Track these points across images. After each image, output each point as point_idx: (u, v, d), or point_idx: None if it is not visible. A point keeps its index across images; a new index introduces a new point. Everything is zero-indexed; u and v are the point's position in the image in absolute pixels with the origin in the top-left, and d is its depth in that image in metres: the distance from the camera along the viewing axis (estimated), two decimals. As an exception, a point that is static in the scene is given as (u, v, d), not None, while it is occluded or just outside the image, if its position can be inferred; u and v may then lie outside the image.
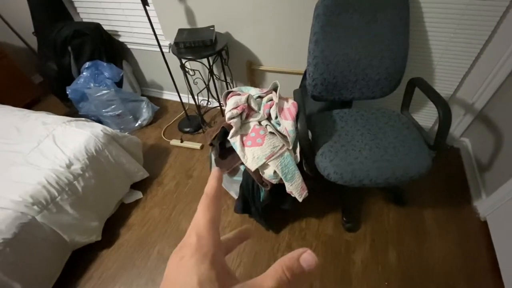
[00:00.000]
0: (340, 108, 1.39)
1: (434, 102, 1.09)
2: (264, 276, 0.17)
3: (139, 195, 1.61)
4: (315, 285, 1.19)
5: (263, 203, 1.17)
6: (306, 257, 0.18)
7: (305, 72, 1.48)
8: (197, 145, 1.86)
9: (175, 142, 1.90)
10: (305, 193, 1.07)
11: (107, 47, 1.88)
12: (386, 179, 1.05)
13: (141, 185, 1.64)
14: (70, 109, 2.10)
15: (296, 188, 1.05)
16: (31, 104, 2.33)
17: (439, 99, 1.07)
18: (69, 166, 1.23)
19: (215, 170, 0.23)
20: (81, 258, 1.34)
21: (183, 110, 2.02)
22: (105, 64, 1.77)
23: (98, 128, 1.39)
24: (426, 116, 1.57)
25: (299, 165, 1.10)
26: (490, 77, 1.32)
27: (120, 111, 1.87)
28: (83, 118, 1.51)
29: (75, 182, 1.24)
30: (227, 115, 1.08)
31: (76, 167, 1.25)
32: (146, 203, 1.58)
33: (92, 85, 1.73)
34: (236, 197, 1.41)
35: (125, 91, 1.91)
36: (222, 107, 1.97)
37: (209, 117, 2.07)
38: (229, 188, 1.40)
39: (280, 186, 1.12)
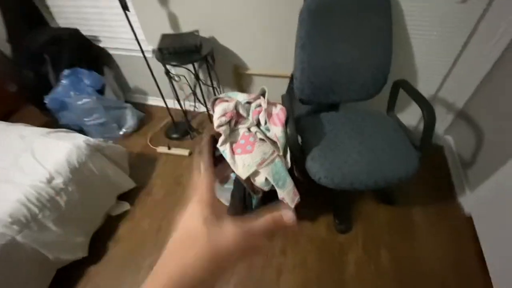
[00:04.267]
0: (327, 110, 1.40)
1: (419, 104, 1.11)
2: (256, 220, 0.23)
3: (126, 206, 1.56)
4: (311, 287, 1.20)
5: (255, 210, 1.16)
6: (287, 213, 0.24)
7: (292, 75, 1.49)
8: (185, 152, 1.82)
9: (162, 149, 1.86)
10: (297, 198, 1.06)
11: (87, 53, 1.81)
12: (375, 181, 1.06)
13: (128, 196, 1.59)
14: (50, 119, 2.01)
15: (288, 194, 1.04)
16: (7, 115, 2.20)
17: (423, 100, 1.09)
18: (50, 181, 1.17)
19: (205, 135, 0.34)
20: (68, 276, 1.28)
21: (169, 116, 1.97)
22: (85, 71, 1.70)
23: (80, 139, 1.33)
24: (410, 115, 1.61)
25: (290, 170, 1.10)
26: (470, 77, 1.37)
27: (103, 119, 1.80)
28: (64, 129, 1.45)
29: (58, 198, 1.18)
30: (216, 122, 1.06)
31: (58, 181, 1.19)
32: (135, 215, 1.54)
33: (72, 93, 1.66)
34: (227, 204, 1.39)
35: (107, 98, 1.85)
36: (210, 112, 1.94)
37: (197, 123, 2.04)
38: (220, 196, 1.37)
39: (272, 192, 1.11)
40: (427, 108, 1.06)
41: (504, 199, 1.14)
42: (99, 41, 1.91)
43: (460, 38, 1.25)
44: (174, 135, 1.94)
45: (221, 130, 1.05)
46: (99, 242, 1.41)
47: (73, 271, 1.29)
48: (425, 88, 1.47)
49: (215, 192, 0.26)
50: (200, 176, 0.27)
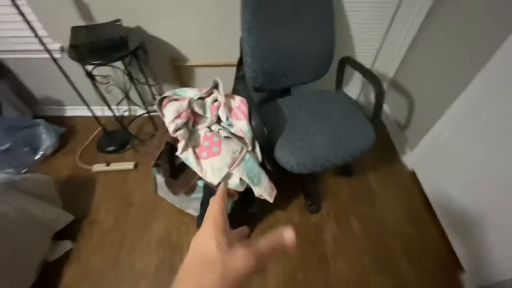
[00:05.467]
0: (280, 95, 1.36)
1: (367, 78, 1.17)
2: (260, 241, 0.25)
3: (67, 245, 1.26)
4: (298, 276, 1.19)
5: (231, 215, 1.07)
6: (287, 231, 0.26)
7: (239, 62, 1.39)
8: (129, 165, 1.57)
9: (99, 167, 1.56)
10: (274, 192, 1.02)
11: (-40, 61, 1.34)
12: (343, 158, 1.09)
13: (68, 232, 1.29)
14: None
15: (265, 190, 0.98)
16: None
17: (371, 74, 1.15)
18: None
19: (221, 185, 0.31)
20: None
21: (99, 127, 1.66)
22: (-36, 85, 1.26)
23: (-21, 177, 0.99)
24: (350, 90, 1.72)
25: (261, 164, 1.03)
26: (397, 48, 1.51)
27: (7, 145, 1.39)
28: None
29: (-38, 263, 0.86)
30: (171, 127, 0.91)
31: (-43, 242, 0.86)
32: (81, 253, 1.26)
33: (-51, 118, 1.21)
34: (196, 214, 1.26)
35: (8, 118, 1.43)
36: (150, 114, 1.71)
37: (136, 128, 1.77)
38: (186, 207, 1.23)
39: (245, 191, 1.03)
40: (375, 81, 1.12)
41: (439, 151, 1.32)
42: (-24, 43, 1.44)
43: (389, 10, 1.35)
44: (110, 148, 1.65)
45: (178, 134, 0.91)
46: (40, 300, 1.11)
47: None
48: (363, 63, 1.57)
49: (227, 216, 0.27)
50: (214, 200, 0.28)
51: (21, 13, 1.03)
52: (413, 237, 1.30)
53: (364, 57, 1.55)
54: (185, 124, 0.93)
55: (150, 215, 1.39)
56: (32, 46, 1.33)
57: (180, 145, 0.91)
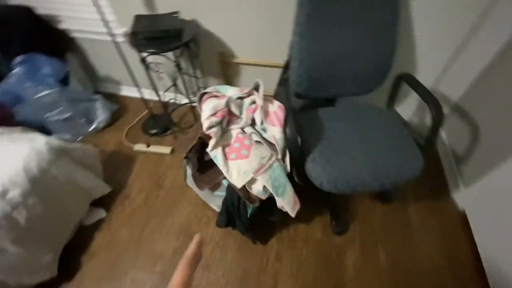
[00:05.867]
0: (323, 104, 1.29)
1: (425, 100, 1.04)
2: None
3: (101, 213, 1.38)
4: (309, 297, 1.13)
5: (250, 219, 1.05)
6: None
7: (286, 65, 1.35)
8: (166, 149, 1.65)
9: (140, 147, 1.67)
10: (297, 206, 0.97)
11: (44, 36, 1.54)
12: (381, 184, 0.99)
13: (103, 202, 1.41)
14: (6, 113, 1.72)
15: (288, 203, 0.94)
16: None
17: (431, 97, 1.02)
18: (3, 194, 0.97)
19: (197, 236, 0.31)
20: (34, 300, 1.11)
21: (146, 109, 1.77)
22: (43, 57, 1.44)
23: (40, 141, 1.12)
24: (405, 110, 1.56)
25: (288, 175, 0.99)
26: (468, 70, 1.32)
27: (68, 114, 1.57)
28: (18, 128, 1.22)
29: (15, 213, 0.99)
30: (205, 123, 0.92)
31: (14, 194, 0.99)
32: (111, 223, 1.37)
33: (28, 84, 1.40)
34: (218, 210, 1.27)
35: (73, 90, 1.61)
36: (192, 104, 1.77)
37: (178, 116, 1.85)
38: (209, 201, 1.25)
39: (270, 199, 1.00)
40: (435, 105, 0.99)
41: (501, 196, 1.12)
42: (60, 21, 1.63)
43: (462, 29, 1.18)
44: (153, 131, 1.76)
45: (211, 132, 0.91)
46: (72, 257, 1.24)
47: (41, 293, 1.12)
48: (423, 82, 1.40)
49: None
50: (176, 274, 0.27)
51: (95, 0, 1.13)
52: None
53: (425, 75, 1.38)
54: (220, 123, 0.93)
55: (177, 201, 1.44)
56: (101, 29, 1.46)
57: (211, 143, 0.92)
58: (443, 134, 1.61)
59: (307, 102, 1.38)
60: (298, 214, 1.15)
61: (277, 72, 1.44)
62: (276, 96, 1.11)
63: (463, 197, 1.35)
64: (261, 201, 0.98)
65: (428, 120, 1.59)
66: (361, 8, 1.05)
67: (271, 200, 0.99)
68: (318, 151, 1.04)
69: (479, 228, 1.24)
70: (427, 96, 1.02)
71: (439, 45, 1.25)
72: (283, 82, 1.39)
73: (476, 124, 1.33)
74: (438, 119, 0.98)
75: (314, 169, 1.00)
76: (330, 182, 0.98)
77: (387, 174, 0.99)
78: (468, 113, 1.40)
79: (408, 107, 1.55)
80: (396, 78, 1.19)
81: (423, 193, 1.45)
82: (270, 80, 1.52)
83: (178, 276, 0.27)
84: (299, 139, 1.08)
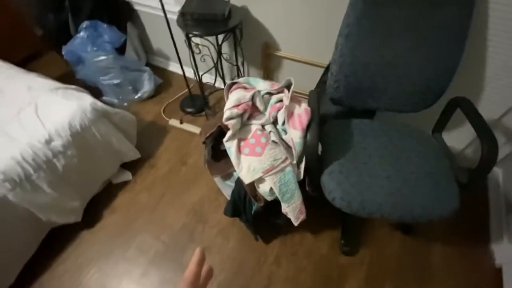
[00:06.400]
0: (360, 115, 1.19)
1: (478, 133, 0.88)
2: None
3: (128, 176, 1.51)
4: (298, 308, 1.10)
5: (254, 215, 1.04)
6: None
7: (328, 67, 1.27)
8: (197, 130, 1.71)
9: (174, 122, 1.76)
10: (302, 216, 0.93)
11: (110, 5, 1.67)
12: (400, 216, 0.89)
13: (131, 166, 1.53)
14: (70, 69, 1.95)
15: (293, 210, 0.91)
16: (30, 58, 2.18)
17: (486, 131, 0.86)
18: (48, 142, 1.11)
19: (197, 252, 0.27)
20: (60, 237, 1.28)
21: (186, 88, 1.84)
22: (105, 25, 1.57)
23: (87, 101, 1.24)
24: (455, 138, 1.36)
25: (300, 183, 0.95)
26: (551, 107, 1.08)
27: (119, 80, 1.71)
28: (74, 86, 1.37)
29: (55, 160, 1.13)
30: (225, 114, 0.92)
31: (57, 143, 1.13)
32: (135, 186, 1.49)
33: (89, 48, 1.56)
34: (228, 198, 1.29)
35: (126, 59, 1.74)
36: (230, 91, 1.78)
37: (214, 99, 1.90)
38: (222, 188, 1.27)
39: (275, 201, 0.98)
40: (489, 142, 0.84)
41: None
42: (125, -7, 1.75)
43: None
44: (189, 109, 1.83)
45: (230, 123, 0.91)
46: (95, 209, 1.38)
47: (66, 233, 1.29)
48: (486, 111, 1.18)
49: None
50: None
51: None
52: None
53: (490, 104, 1.18)
54: (240, 116, 0.92)
55: (195, 180, 1.50)
56: (159, 5, 1.53)
57: (228, 134, 0.92)
58: (499, 174, 1.38)
59: (342, 110, 1.29)
60: (307, 223, 1.11)
61: (319, 72, 1.37)
62: (309, 97, 1.05)
63: (505, 252, 1.15)
64: (267, 201, 0.97)
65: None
66: (424, 17, 0.92)
67: (277, 203, 0.97)
68: (339, 165, 0.97)
69: (515, 293, 1.06)
70: (482, 129, 0.87)
71: (517, 72, 1.05)
72: (321, 83, 1.32)
73: (545, 172, 1.11)
74: (488, 157, 0.83)
75: (329, 182, 0.94)
76: (344, 200, 0.91)
77: (411, 208, 0.88)
78: (538, 158, 1.17)
79: (461, 137, 1.35)
80: (450, 102, 1.04)
81: (456, 234, 1.27)
82: (310, 79, 1.45)
83: None
84: (320, 147, 1.02)
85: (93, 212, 1.37)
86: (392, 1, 0.92)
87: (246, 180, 0.88)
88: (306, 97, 1.47)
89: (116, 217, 1.37)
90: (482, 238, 1.26)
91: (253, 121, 0.96)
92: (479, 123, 0.89)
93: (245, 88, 1.02)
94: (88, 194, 1.35)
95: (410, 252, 1.23)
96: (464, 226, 1.29)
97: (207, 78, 1.80)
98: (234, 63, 1.59)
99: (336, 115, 1.31)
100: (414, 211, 0.88)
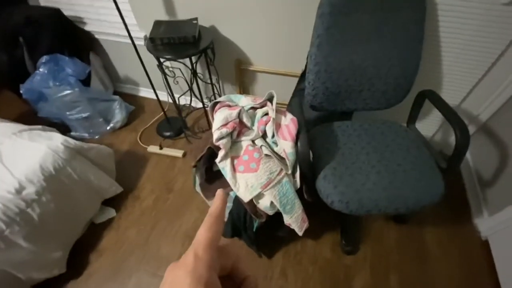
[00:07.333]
0: (339, 118, 1.25)
1: (450, 121, 0.97)
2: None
3: (112, 213, 1.41)
4: (312, 318, 1.09)
5: (256, 232, 1.03)
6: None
7: (302, 75, 1.32)
8: (178, 153, 1.66)
9: (152, 148, 1.69)
10: (305, 225, 0.93)
11: (69, 37, 1.60)
12: (396, 209, 0.93)
13: (113, 201, 1.44)
14: (29, 108, 1.80)
15: (296, 221, 0.91)
16: (-19, 100, 1.99)
17: (456, 118, 0.95)
18: (19, 191, 1.00)
19: (220, 191, 0.25)
20: (42, 293, 1.14)
21: (162, 111, 1.79)
22: (67, 58, 1.49)
23: (57, 140, 1.15)
24: (426, 127, 1.47)
25: (298, 191, 0.96)
26: (501, 89, 1.22)
27: (87, 113, 1.61)
28: (39, 126, 1.26)
29: (29, 210, 1.02)
30: (215, 134, 0.90)
31: (30, 191, 1.03)
32: (121, 223, 1.39)
33: (51, 83, 1.46)
34: (224, 219, 1.25)
35: (93, 90, 1.66)
36: (207, 109, 1.77)
37: (192, 120, 1.86)
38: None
39: (276, 213, 0.97)
40: (460, 127, 0.92)
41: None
42: (84, 23, 1.69)
43: (497, 46, 1.09)
44: (167, 133, 1.77)
45: (221, 143, 0.90)
46: (80, 255, 1.27)
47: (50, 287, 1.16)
48: (448, 98, 1.31)
49: (216, 253, 0.21)
50: (201, 232, 0.22)
51: (117, 5, 1.15)
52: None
53: (451, 92, 1.30)
54: (229, 134, 0.92)
55: (185, 206, 1.45)
56: (123, 32, 1.49)
57: (220, 154, 0.90)
58: (468, 154, 1.51)
59: (322, 114, 1.34)
60: (306, 230, 1.11)
61: (294, 81, 1.42)
62: (290, 107, 1.08)
63: (487, 225, 1.25)
64: (268, 216, 0.96)
65: (452, 139, 1.49)
66: (385, 22, 1.00)
67: (278, 215, 0.96)
68: (331, 168, 1.00)
69: (502, 259, 1.15)
70: (452, 116, 0.96)
71: (470, 59, 1.17)
72: (298, 92, 1.36)
73: (505, 146, 1.24)
74: (463, 143, 0.91)
75: (325, 187, 0.96)
76: (342, 202, 0.93)
77: (404, 199, 0.93)
78: (497, 134, 1.30)
79: (431, 125, 1.46)
80: (418, 95, 1.13)
81: (442, 216, 1.36)
82: (286, 88, 1.49)
83: (205, 232, 0.22)
84: (311, 154, 1.05)
85: (78, 259, 1.25)
86: (355, 9, 0.99)
87: (246, 198, 0.87)
88: (284, 106, 1.51)
89: (105, 259, 1.27)
90: (466, 216, 1.36)
91: (243, 138, 0.96)
92: (447, 110, 0.98)
93: (229, 106, 1.02)
94: (70, 240, 1.23)
95: (406, 239, 1.29)
96: (447, 207, 1.38)
97: (182, 100, 1.77)
98: (209, 81, 1.59)
99: (317, 120, 1.35)
100: (408, 201, 0.93)
